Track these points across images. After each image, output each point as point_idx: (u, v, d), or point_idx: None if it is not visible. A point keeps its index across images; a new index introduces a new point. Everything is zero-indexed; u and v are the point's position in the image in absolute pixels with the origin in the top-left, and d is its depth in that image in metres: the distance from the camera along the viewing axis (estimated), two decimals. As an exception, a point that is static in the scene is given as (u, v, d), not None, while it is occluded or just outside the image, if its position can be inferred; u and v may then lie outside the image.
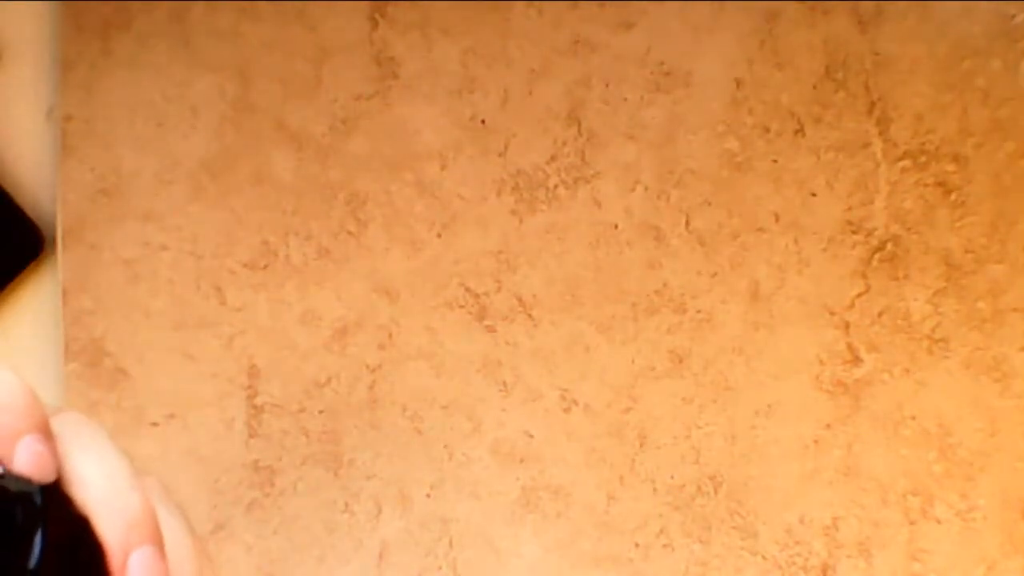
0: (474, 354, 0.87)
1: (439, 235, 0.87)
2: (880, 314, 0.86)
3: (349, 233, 0.87)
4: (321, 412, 0.87)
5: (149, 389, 0.87)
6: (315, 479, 0.87)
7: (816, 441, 0.86)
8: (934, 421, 0.86)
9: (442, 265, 0.87)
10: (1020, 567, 0.85)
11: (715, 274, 0.87)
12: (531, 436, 0.87)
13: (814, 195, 0.86)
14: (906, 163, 0.86)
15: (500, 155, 0.87)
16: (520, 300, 0.87)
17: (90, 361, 0.87)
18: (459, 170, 0.87)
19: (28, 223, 0.89)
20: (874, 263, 0.86)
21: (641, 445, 0.87)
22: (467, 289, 0.87)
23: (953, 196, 0.86)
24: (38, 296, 0.90)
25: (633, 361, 0.87)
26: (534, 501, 0.87)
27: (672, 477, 0.87)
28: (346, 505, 0.87)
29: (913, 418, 0.86)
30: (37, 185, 0.90)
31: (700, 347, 0.87)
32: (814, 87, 0.86)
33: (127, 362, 0.87)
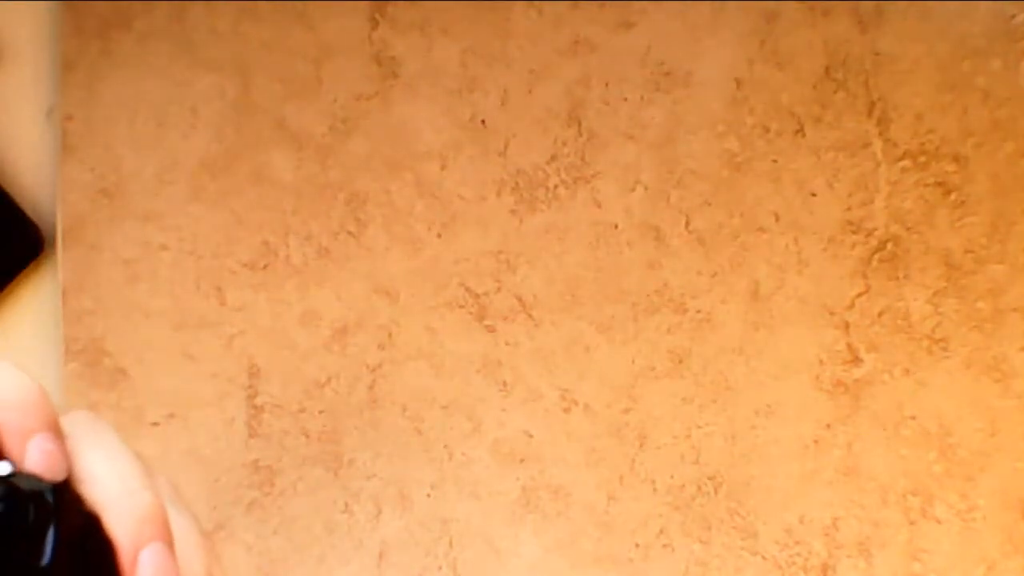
0: (474, 354, 0.87)
1: (439, 235, 0.87)
2: (880, 314, 0.86)
3: (349, 233, 0.87)
4: (321, 412, 0.87)
5: (149, 389, 0.87)
6: (315, 479, 0.87)
7: (816, 441, 0.86)
8: (934, 421, 0.86)
9: (442, 265, 0.87)
10: (1020, 567, 0.85)
11: (715, 274, 0.87)
12: (531, 436, 0.87)
13: (814, 195, 0.86)
14: (906, 163, 0.86)
15: (500, 155, 0.87)
16: (520, 300, 0.87)
17: (90, 361, 0.87)
18: (459, 170, 0.87)
19: (28, 223, 0.88)
20: (874, 263, 0.86)
21: (641, 445, 0.87)
22: (467, 289, 0.87)
23: (953, 196, 0.86)
24: (38, 296, 0.90)
25: (633, 361, 0.87)
26: (534, 501, 0.87)
27: (672, 477, 0.87)
28: (346, 505, 0.87)
29: (913, 418, 0.86)
30: (37, 185, 0.90)
31: (700, 347, 0.87)
32: (814, 87, 0.86)
33: (127, 362, 0.87)
